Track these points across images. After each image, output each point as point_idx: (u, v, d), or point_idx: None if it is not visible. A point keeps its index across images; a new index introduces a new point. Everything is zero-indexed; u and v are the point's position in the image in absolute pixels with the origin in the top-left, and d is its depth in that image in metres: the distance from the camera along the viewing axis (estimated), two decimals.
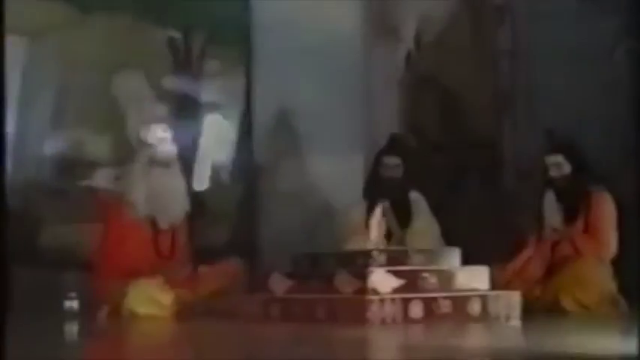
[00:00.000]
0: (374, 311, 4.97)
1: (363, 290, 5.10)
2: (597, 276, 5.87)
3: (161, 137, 6.34)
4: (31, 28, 6.92)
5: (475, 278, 5.46)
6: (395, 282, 5.15)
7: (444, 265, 5.47)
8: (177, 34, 7.59)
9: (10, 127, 6.46)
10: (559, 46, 7.72)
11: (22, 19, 6.73)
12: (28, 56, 6.91)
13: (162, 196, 6.29)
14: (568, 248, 6.14)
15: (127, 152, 6.41)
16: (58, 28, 7.06)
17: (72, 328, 5.35)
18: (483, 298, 5.34)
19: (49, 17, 7.02)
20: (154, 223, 6.31)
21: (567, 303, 5.81)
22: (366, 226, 5.93)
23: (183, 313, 5.97)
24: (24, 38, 6.85)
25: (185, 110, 7.53)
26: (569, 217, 6.21)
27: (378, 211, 5.86)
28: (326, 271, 5.46)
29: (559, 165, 6.25)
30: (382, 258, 5.28)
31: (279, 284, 5.63)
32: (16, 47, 6.68)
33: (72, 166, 7.00)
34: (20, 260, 6.29)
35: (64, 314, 5.78)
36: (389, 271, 5.18)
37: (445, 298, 5.21)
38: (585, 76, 7.31)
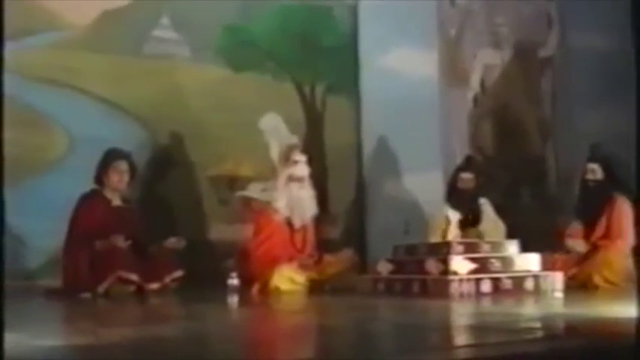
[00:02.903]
0: (454, 288, 4.99)
1: (446, 272, 5.11)
2: (620, 260, 5.79)
3: (296, 160, 6.40)
4: (200, 84, 7.28)
5: (529, 262, 5.46)
6: (470, 266, 5.16)
7: (506, 253, 5.46)
8: (305, 86, 7.73)
9: None
10: (590, 88, 7.74)
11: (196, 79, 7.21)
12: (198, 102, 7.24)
13: (297, 204, 6.34)
14: (597, 242, 6.08)
15: (271, 171, 6.45)
16: (217, 84, 7.33)
17: (233, 299, 5.39)
18: (536, 277, 5.34)
19: (211, 76, 7.32)
20: (290, 224, 6.34)
21: (598, 280, 5.75)
22: (447, 224, 5.98)
23: (313, 289, 6.02)
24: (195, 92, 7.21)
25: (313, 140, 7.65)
26: (594, 216, 6.12)
27: (452, 218, 5.91)
28: (418, 257, 5.45)
29: (594, 171, 6.18)
30: (460, 248, 5.29)
31: (383, 267, 5.67)
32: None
33: (232, 181, 7.18)
34: (194, 250, 6.45)
35: (227, 289, 5.81)
36: (465, 258, 5.19)
37: (507, 277, 5.22)
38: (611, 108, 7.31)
